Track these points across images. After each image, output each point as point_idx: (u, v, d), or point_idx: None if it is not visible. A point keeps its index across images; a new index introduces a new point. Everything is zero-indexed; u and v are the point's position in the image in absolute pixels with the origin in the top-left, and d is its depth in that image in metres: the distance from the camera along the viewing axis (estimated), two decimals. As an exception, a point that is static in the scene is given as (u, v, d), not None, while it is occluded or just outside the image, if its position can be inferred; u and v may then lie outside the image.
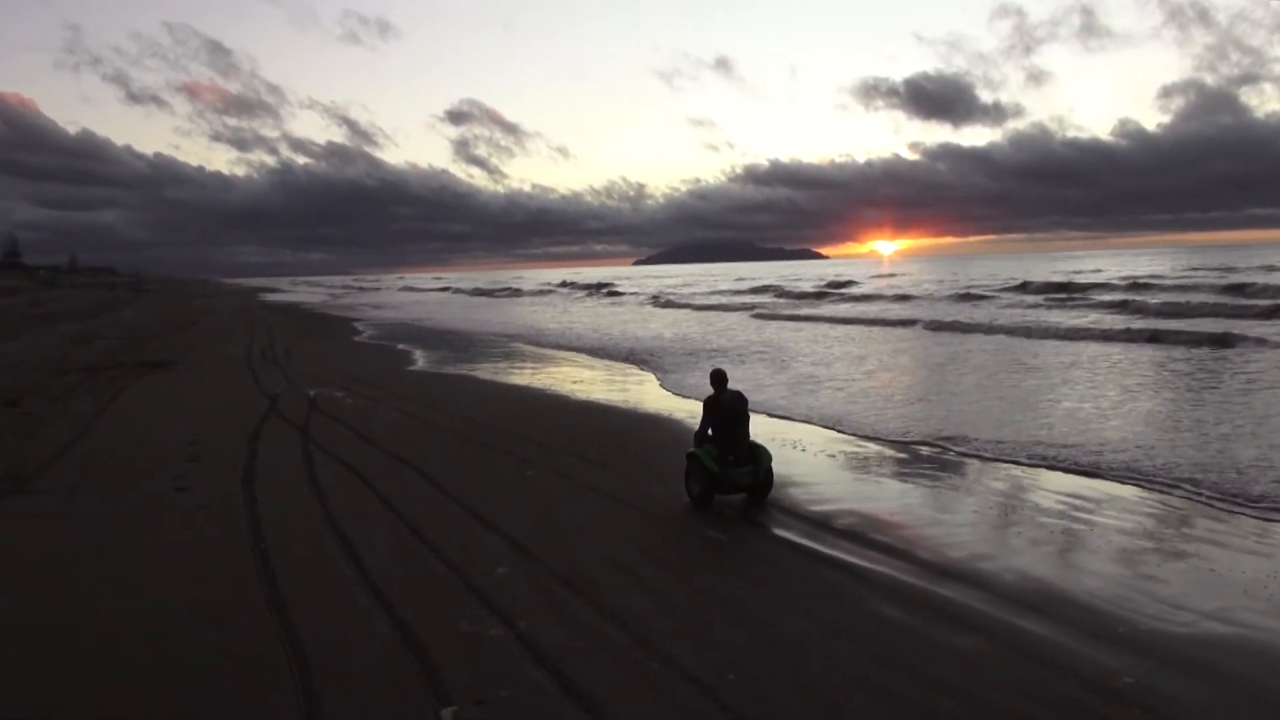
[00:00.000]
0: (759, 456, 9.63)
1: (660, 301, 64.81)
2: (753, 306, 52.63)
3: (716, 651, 5.72)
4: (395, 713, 5.01)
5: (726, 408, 9.66)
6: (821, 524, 8.72)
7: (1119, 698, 5.05)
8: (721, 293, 72.53)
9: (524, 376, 21.98)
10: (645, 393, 18.66)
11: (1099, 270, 75.74)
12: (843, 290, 65.10)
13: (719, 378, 10.02)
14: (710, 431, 9.65)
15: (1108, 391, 16.68)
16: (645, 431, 13.84)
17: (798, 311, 47.01)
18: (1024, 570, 7.29)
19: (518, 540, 8.13)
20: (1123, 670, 5.38)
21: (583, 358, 26.67)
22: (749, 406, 9.86)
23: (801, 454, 12.07)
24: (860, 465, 11.42)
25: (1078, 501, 9.35)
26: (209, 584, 7.11)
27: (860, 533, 8.40)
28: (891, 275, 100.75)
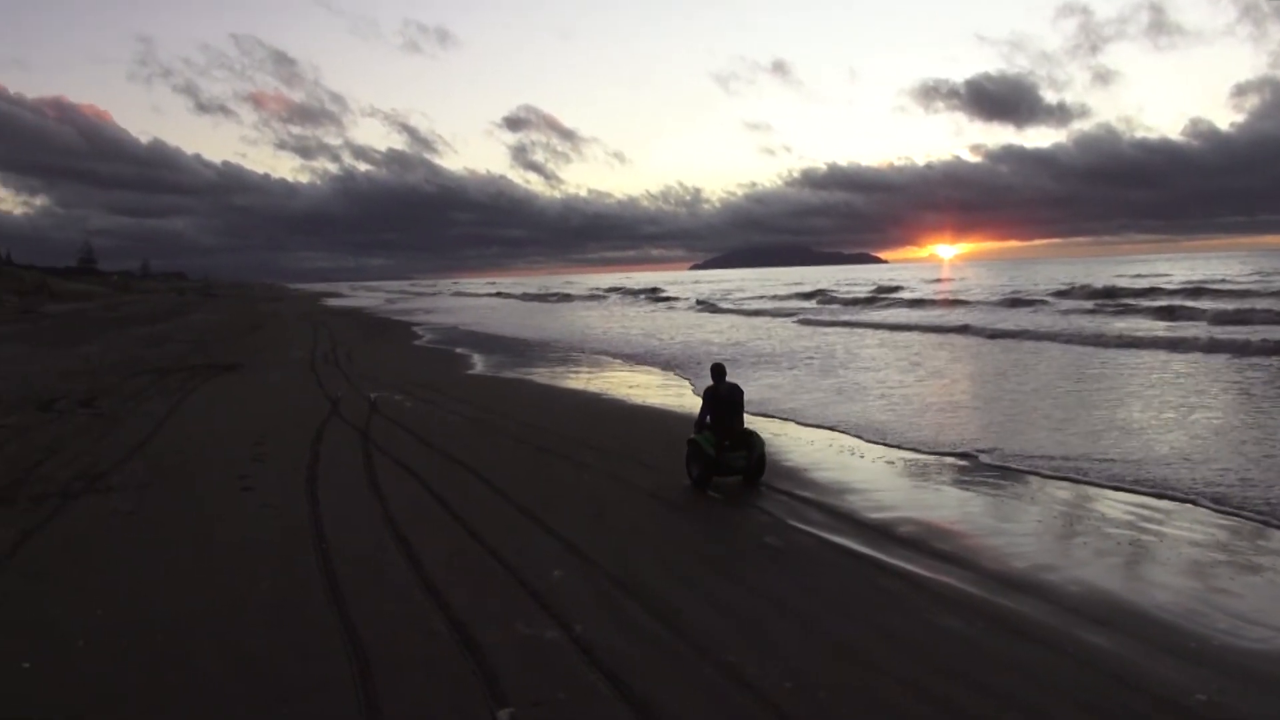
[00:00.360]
0: (753, 443, 10.51)
1: (708, 307, 64.47)
2: (798, 312, 51.75)
3: (773, 658, 5.67)
4: (452, 712, 5.05)
5: (724, 398, 10.58)
6: (880, 531, 8.60)
7: (1191, 715, 4.89)
8: (772, 297, 71.69)
9: (578, 381, 22.08)
10: (694, 399, 18.60)
11: (1167, 275, 73.18)
12: (896, 295, 63.37)
13: (718, 371, 11.00)
14: (709, 419, 10.50)
15: (1173, 402, 16.13)
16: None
17: (847, 317, 46.15)
18: (1090, 582, 7.10)
19: (574, 543, 8.17)
20: (1195, 687, 5.20)
21: (630, 363, 26.67)
22: (744, 396, 10.85)
23: (860, 460, 11.95)
24: (918, 474, 11.24)
25: (1144, 514, 9.08)
26: (272, 581, 7.26)
27: (919, 541, 8.27)
28: (947, 280, 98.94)
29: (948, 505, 9.65)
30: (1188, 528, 8.56)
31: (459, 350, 32.36)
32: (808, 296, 69.53)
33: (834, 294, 69.08)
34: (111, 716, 5.09)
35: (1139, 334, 29.21)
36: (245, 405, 17.63)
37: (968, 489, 10.33)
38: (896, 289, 70.95)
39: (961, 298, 55.70)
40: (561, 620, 6.32)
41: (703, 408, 10.70)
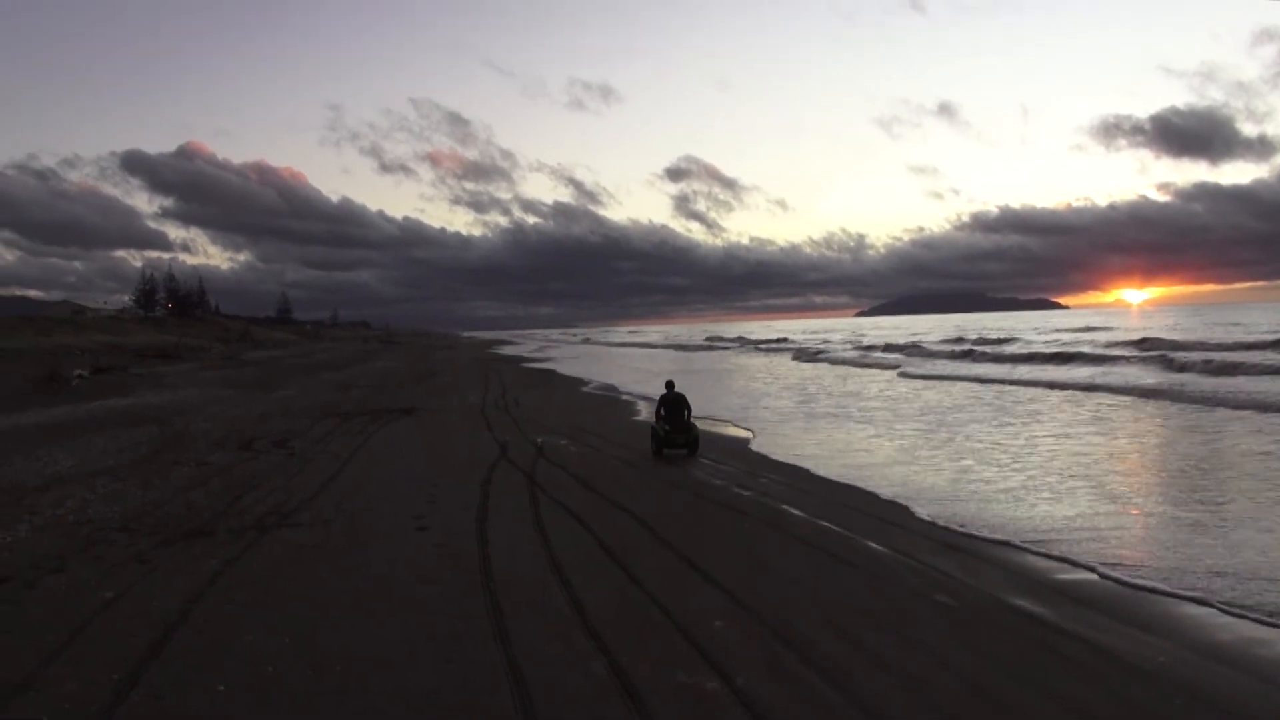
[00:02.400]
0: (691, 430, 16.84)
1: (806, 355, 64.31)
2: (900, 364, 47.90)
3: (944, 724, 5.37)
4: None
5: (670, 401, 17.17)
6: (1063, 593, 8.06)
7: None
8: (906, 346, 65.23)
9: (732, 430, 21.93)
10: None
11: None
12: (1058, 341, 58.35)
13: (669, 384, 18.23)
14: (662, 413, 17.06)
15: None
16: (836, 490, 13.41)
17: (948, 369, 42.35)
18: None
19: (734, 593, 8.06)
20: None
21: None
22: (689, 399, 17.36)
23: (1025, 505, 11.27)
24: (1108, 521, 10.47)
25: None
26: (443, 617, 7.51)
27: (1107, 605, 7.69)
28: (1104, 328, 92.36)
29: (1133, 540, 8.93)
30: None
31: (624, 396, 32.89)
32: (953, 342, 65.33)
33: (978, 340, 64.92)
34: (295, 740, 5.36)
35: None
36: (421, 448, 18.48)
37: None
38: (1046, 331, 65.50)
39: (1144, 353, 42.98)
40: (722, 671, 6.23)
41: (657, 407, 17.45)
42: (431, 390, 37.19)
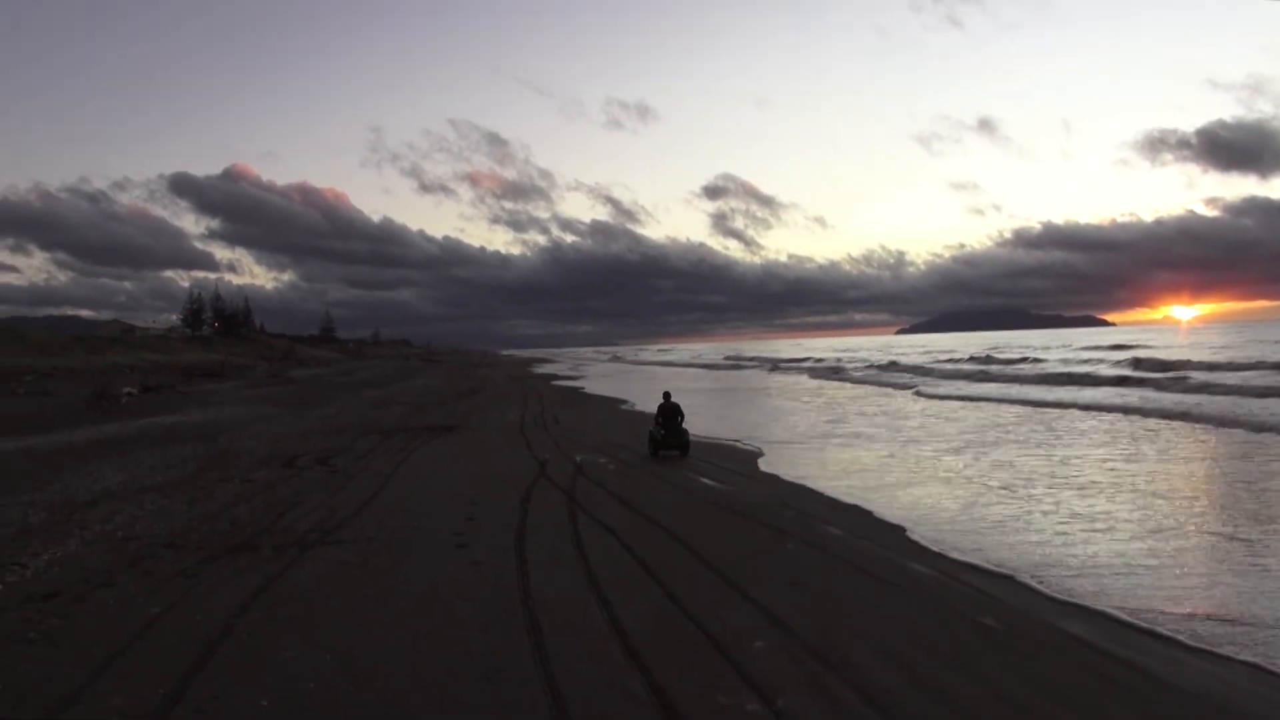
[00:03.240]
0: (683, 435, 19.52)
1: (819, 373, 65.23)
2: (915, 384, 46.74)
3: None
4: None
5: (666, 409, 19.65)
6: (1109, 616, 7.88)
7: None
8: (921, 365, 63.86)
9: (781, 451, 21.81)
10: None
11: None
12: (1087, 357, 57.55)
13: (666, 395, 20.49)
14: (659, 419, 19.57)
15: None
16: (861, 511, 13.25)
17: (992, 392, 39.91)
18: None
19: (774, 613, 7.97)
20: None
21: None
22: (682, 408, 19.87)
23: (1104, 534, 11.04)
24: (1171, 549, 10.24)
25: None
26: (483, 635, 7.52)
27: (1162, 632, 7.50)
28: (1125, 346, 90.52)
29: (1195, 581, 8.70)
30: None
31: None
32: (982, 361, 63.25)
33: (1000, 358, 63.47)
34: (336, 757, 5.38)
35: None
36: (460, 465, 18.59)
37: (1227, 572, 9.26)
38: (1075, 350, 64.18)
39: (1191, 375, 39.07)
40: (762, 693, 6.16)
41: (656, 413, 19.96)
42: (471, 408, 37.44)
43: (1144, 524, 11.76)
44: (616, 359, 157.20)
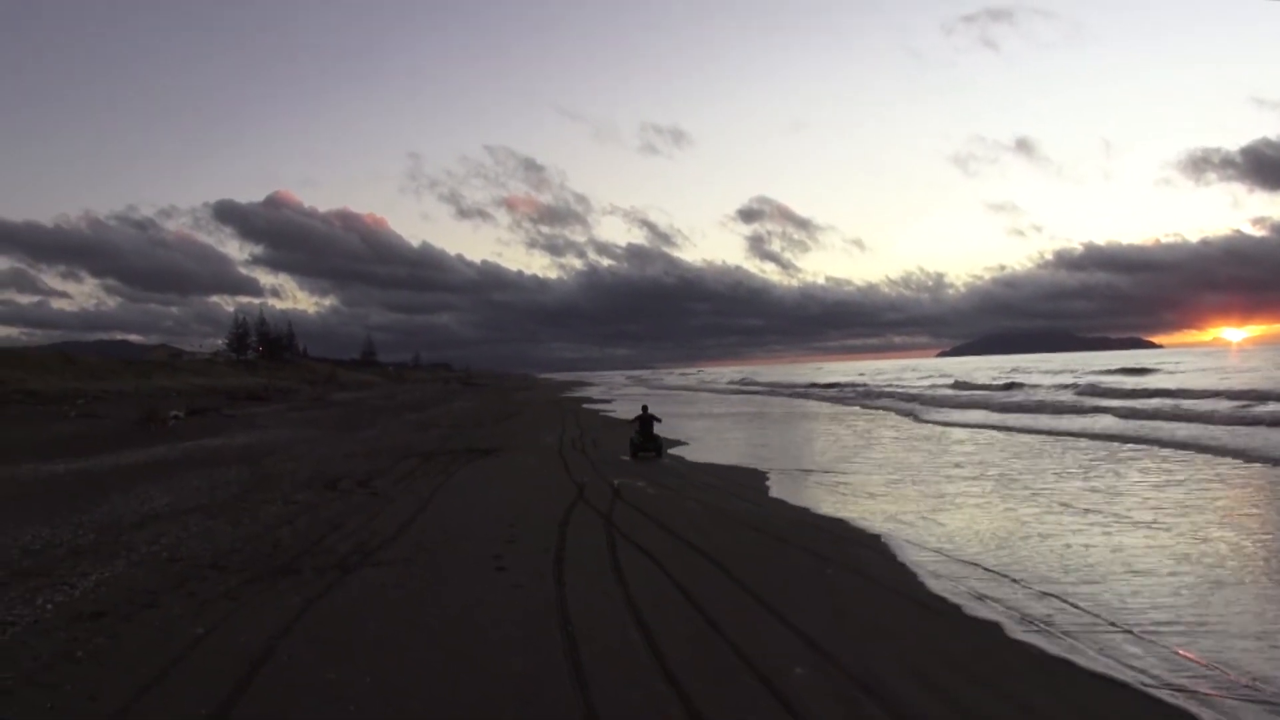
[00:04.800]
0: (658, 440, 24.20)
1: (810, 394, 68.28)
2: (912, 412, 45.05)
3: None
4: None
5: (644, 418, 24.16)
6: (1155, 643, 7.69)
7: None
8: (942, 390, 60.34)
9: (819, 480, 21.64)
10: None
11: None
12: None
13: (644, 408, 25.00)
14: (639, 425, 24.13)
15: None
16: (930, 530, 13.05)
17: (952, 416, 39.39)
18: None
19: (814, 640, 7.89)
20: None
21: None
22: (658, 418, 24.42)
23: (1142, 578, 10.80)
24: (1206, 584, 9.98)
25: None
26: (522, 658, 7.52)
27: (1202, 659, 7.30)
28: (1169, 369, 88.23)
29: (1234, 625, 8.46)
30: None
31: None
32: (1011, 389, 57.03)
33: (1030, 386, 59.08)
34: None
35: None
36: (499, 488, 18.65)
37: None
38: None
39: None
40: (803, 719, 6.09)
41: (634, 422, 24.86)
42: (510, 431, 37.61)
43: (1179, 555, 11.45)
44: (640, 381, 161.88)
